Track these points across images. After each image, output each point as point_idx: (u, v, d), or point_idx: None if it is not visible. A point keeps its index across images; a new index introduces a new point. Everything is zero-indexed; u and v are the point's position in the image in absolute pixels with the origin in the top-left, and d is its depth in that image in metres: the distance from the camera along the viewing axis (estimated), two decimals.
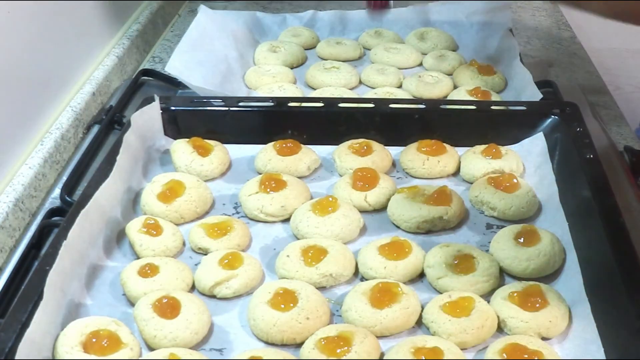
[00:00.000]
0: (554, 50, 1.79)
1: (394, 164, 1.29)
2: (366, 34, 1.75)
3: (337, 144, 1.30)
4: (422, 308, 0.99)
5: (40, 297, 0.90)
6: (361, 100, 1.42)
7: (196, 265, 1.07)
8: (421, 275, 1.06)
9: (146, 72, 1.64)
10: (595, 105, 1.51)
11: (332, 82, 1.52)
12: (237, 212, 1.19)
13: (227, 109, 1.32)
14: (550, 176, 1.21)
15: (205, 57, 1.51)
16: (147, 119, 1.27)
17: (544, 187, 1.20)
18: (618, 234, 1.01)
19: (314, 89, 1.53)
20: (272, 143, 1.28)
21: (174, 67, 1.42)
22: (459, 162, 1.27)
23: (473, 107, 1.33)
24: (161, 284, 1.00)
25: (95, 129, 1.44)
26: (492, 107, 1.32)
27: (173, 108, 1.32)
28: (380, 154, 1.27)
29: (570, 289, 1.01)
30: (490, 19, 1.73)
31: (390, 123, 1.32)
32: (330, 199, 1.14)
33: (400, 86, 1.54)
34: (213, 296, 1.03)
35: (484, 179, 1.21)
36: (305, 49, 1.70)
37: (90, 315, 0.97)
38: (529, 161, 1.27)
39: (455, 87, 1.53)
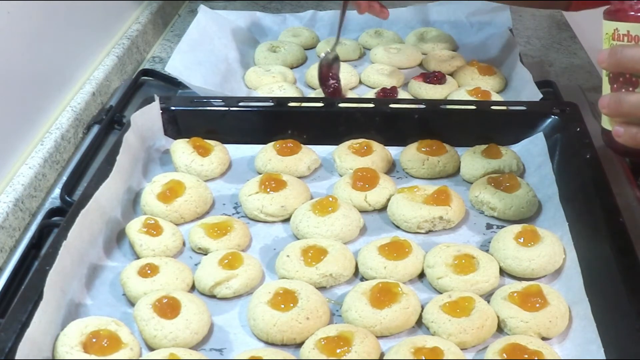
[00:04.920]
0: (554, 50, 1.80)
1: (394, 164, 1.29)
2: (366, 34, 1.75)
3: (337, 144, 1.30)
4: (422, 308, 0.99)
5: (40, 297, 0.90)
6: (361, 100, 1.42)
7: (196, 265, 1.07)
8: (421, 275, 1.06)
9: (146, 72, 1.64)
10: (595, 105, 1.51)
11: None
12: (237, 212, 1.19)
13: (227, 109, 1.32)
14: (550, 176, 1.21)
15: (205, 57, 1.52)
16: (147, 119, 1.27)
17: (544, 187, 1.20)
18: (618, 234, 1.01)
19: (314, 89, 1.53)
20: (272, 143, 1.28)
21: (174, 67, 1.42)
22: (459, 162, 1.27)
23: (473, 107, 1.33)
24: (161, 284, 1.00)
25: (95, 129, 1.44)
26: (492, 107, 1.32)
27: (173, 108, 1.32)
28: (380, 154, 1.27)
29: (570, 289, 1.01)
30: (490, 19, 1.73)
31: (390, 123, 1.32)
32: (330, 199, 1.14)
33: (400, 86, 1.54)
34: (213, 296, 1.03)
35: (484, 179, 1.21)
36: (305, 49, 1.70)
37: (90, 315, 0.96)
38: (529, 161, 1.27)
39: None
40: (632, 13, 0.92)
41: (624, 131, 0.93)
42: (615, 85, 0.94)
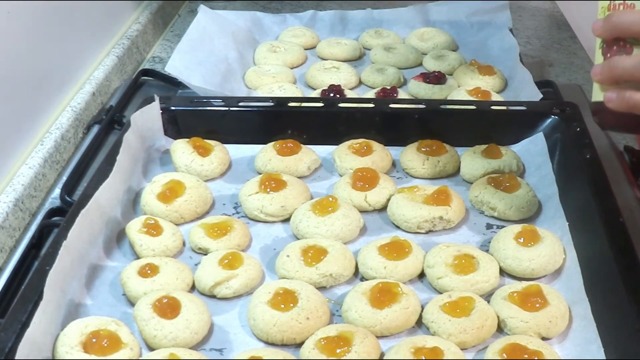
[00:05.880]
0: (554, 50, 1.79)
1: (394, 164, 1.29)
2: (366, 34, 1.75)
3: (337, 144, 1.30)
4: (422, 308, 0.99)
5: (40, 297, 0.90)
6: (361, 100, 1.42)
7: (196, 265, 1.07)
8: (421, 275, 1.06)
9: (146, 72, 1.64)
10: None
11: (332, 82, 1.52)
12: (237, 212, 1.19)
13: (227, 109, 1.32)
14: (550, 176, 1.21)
15: (205, 57, 1.51)
16: (147, 119, 1.27)
17: (544, 187, 1.20)
18: (618, 234, 1.01)
19: (314, 89, 1.53)
20: (272, 143, 1.28)
21: (174, 67, 1.42)
22: (459, 162, 1.27)
23: (473, 107, 1.33)
24: (161, 284, 1.00)
25: (95, 129, 1.44)
26: (492, 107, 1.32)
27: (173, 108, 1.32)
28: (380, 154, 1.27)
29: (570, 289, 1.01)
30: (490, 19, 1.73)
31: (390, 123, 1.32)
32: (330, 199, 1.14)
33: (400, 86, 1.54)
34: (213, 296, 1.03)
35: (484, 179, 1.21)
36: (305, 49, 1.70)
37: (90, 315, 0.96)
38: (529, 161, 1.27)
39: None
40: None
41: (616, 95, 0.93)
42: (608, 55, 0.95)
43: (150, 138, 1.29)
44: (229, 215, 1.17)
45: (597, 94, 0.97)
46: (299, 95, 1.49)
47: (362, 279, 1.06)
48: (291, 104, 1.34)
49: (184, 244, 1.12)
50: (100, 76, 1.56)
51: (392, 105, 1.34)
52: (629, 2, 0.92)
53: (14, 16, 1.27)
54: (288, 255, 1.06)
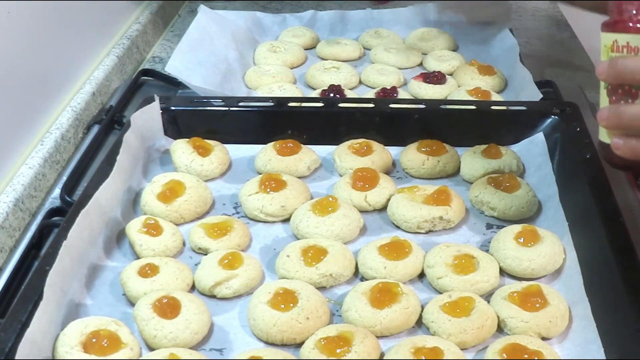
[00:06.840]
0: (554, 50, 1.79)
1: (394, 164, 1.29)
2: (366, 34, 1.75)
3: (337, 144, 1.30)
4: (422, 308, 0.99)
5: (40, 297, 0.90)
6: (361, 100, 1.42)
7: (196, 265, 1.07)
8: (421, 275, 1.06)
9: (146, 72, 1.64)
10: (595, 105, 1.51)
11: (332, 82, 1.52)
12: (237, 212, 1.19)
13: (227, 109, 1.32)
14: (550, 176, 1.21)
15: (205, 57, 1.51)
16: (147, 119, 1.27)
17: (544, 187, 1.20)
18: (618, 234, 1.01)
19: (314, 89, 1.53)
20: (272, 143, 1.28)
21: (174, 67, 1.42)
22: (459, 162, 1.27)
23: (473, 107, 1.33)
24: (161, 284, 1.00)
25: (95, 129, 1.44)
26: (492, 107, 1.32)
27: (173, 108, 1.32)
28: (380, 154, 1.27)
29: (570, 289, 1.01)
30: (490, 19, 1.73)
31: (390, 123, 1.32)
32: (330, 199, 1.14)
33: (400, 86, 1.54)
34: (213, 296, 1.03)
35: (484, 179, 1.21)
36: (305, 49, 1.70)
37: (90, 315, 0.96)
38: (529, 161, 1.27)
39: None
40: (632, 24, 0.90)
41: (623, 143, 0.91)
42: (613, 97, 0.92)
43: (150, 138, 1.29)
44: (229, 215, 1.17)
45: (603, 135, 0.95)
46: (299, 95, 1.49)
47: (362, 279, 1.06)
48: (291, 104, 1.34)
49: (184, 244, 1.12)
50: (100, 76, 1.56)
51: (392, 105, 1.34)
52: (633, 45, 0.90)
53: (14, 16, 1.27)
54: (288, 255, 1.06)
